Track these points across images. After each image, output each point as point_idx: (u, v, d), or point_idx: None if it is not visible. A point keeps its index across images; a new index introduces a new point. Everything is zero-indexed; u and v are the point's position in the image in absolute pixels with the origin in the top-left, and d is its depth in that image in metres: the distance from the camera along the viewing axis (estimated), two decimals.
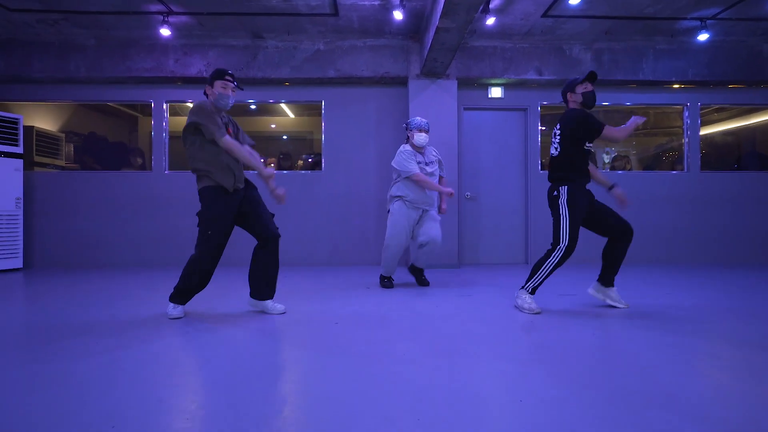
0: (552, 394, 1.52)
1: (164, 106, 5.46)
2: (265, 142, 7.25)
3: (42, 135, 5.52)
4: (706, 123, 6.09)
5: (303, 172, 5.67)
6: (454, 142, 5.22)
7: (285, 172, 5.55)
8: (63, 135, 5.89)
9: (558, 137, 2.83)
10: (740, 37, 5.33)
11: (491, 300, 3.23)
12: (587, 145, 2.80)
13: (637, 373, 1.71)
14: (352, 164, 5.53)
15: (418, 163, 3.58)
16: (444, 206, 3.73)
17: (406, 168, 3.52)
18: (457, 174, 5.29)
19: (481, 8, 4.16)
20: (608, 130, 2.71)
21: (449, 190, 3.59)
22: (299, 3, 4.43)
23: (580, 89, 2.81)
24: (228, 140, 2.55)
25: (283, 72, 5.27)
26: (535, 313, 2.76)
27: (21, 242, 5.05)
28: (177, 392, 1.56)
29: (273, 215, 2.80)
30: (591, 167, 2.91)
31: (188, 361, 1.92)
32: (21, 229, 5.05)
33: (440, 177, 3.76)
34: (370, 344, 2.13)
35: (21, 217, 5.05)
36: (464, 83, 5.45)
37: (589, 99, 2.80)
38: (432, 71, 5.07)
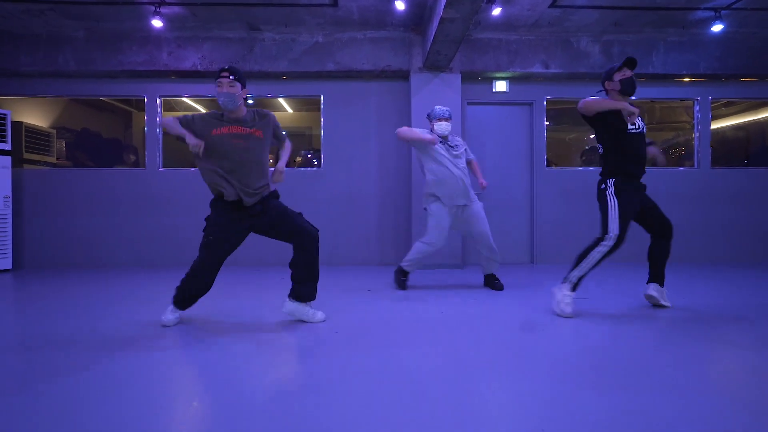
0: (561, 395, 1.37)
1: (158, 101, 5.27)
2: None
3: (32, 131, 5.34)
4: (714, 117, 5.92)
5: (301, 169, 5.51)
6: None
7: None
8: (54, 131, 5.71)
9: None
10: (753, 29, 5.14)
11: (498, 304, 3.08)
12: (629, 128, 2.66)
13: (670, 386, 1.56)
14: (352, 161, 5.35)
15: (447, 149, 3.52)
16: (483, 181, 3.65)
17: (408, 135, 3.47)
18: None
19: None
20: (581, 102, 2.68)
21: (431, 137, 3.41)
22: None
23: (617, 76, 2.68)
24: (163, 120, 2.52)
25: (281, 65, 5.08)
26: (567, 317, 2.65)
27: (10, 242, 4.89)
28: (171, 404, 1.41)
29: (300, 214, 2.75)
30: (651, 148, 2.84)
31: (183, 376, 1.77)
32: (10, 229, 4.89)
33: (470, 161, 3.74)
34: (372, 353, 1.98)
35: (10, 216, 4.89)
36: (468, 77, 5.26)
37: (628, 86, 2.65)
38: (435, 64, 4.88)
